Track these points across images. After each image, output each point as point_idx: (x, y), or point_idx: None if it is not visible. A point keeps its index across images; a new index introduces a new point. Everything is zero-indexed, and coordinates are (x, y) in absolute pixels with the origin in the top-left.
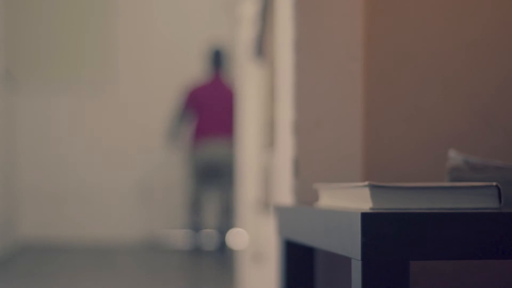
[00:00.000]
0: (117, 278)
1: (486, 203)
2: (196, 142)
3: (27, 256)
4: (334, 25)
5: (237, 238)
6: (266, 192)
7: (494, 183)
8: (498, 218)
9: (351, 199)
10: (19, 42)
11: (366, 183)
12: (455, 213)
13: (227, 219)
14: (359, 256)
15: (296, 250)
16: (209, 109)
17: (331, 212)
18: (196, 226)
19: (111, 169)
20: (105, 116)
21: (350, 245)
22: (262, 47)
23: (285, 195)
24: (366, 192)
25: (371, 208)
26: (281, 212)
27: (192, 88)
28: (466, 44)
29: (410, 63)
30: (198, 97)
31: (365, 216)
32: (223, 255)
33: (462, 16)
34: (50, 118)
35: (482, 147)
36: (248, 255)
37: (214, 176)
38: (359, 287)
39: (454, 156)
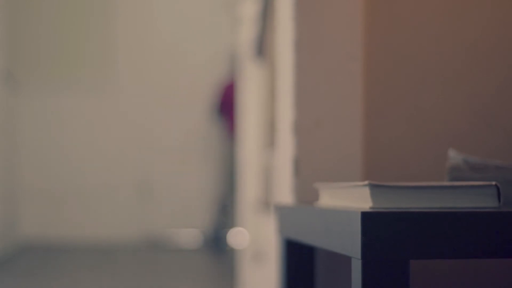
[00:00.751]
0: (117, 278)
1: (486, 203)
2: (230, 139)
3: (28, 256)
4: (334, 25)
5: (237, 237)
6: (267, 192)
7: (493, 183)
8: (497, 217)
9: (351, 199)
10: (20, 43)
11: (366, 182)
12: (455, 212)
13: None
14: (359, 255)
15: (297, 249)
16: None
17: (331, 211)
18: (218, 226)
19: (112, 169)
20: (105, 116)
21: (350, 244)
22: (262, 47)
23: (285, 194)
24: (366, 191)
25: (371, 208)
26: (282, 212)
27: (220, 88)
28: (466, 44)
29: (410, 63)
30: (228, 96)
31: (365, 215)
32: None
33: (462, 16)
34: (51, 118)
35: (482, 147)
36: (248, 255)
37: None
38: (359, 286)
39: (454, 156)
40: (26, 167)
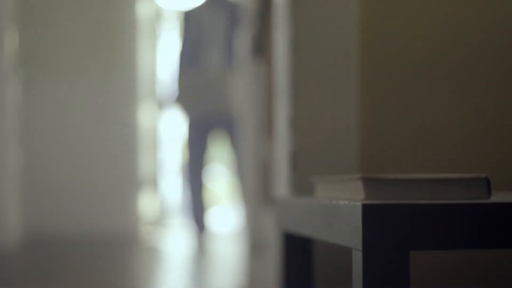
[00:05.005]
0: (123, 272)
1: (476, 194)
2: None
3: (36, 248)
4: (330, 24)
5: (239, 230)
6: (266, 185)
7: (484, 175)
8: (490, 209)
9: (345, 191)
10: (31, 37)
11: (359, 175)
12: (453, 204)
13: None
14: (360, 247)
15: (295, 241)
16: None
17: (331, 204)
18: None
19: (117, 163)
20: (112, 112)
21: (351, 236)
22: (261, 45)
23: (283, 187)
24: (360, 184)
25: (363, 199)
26: (280, 204)
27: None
28: (460, 43)
29: (404, 60)
30: None
31: (366, 208)
32: None
33: (457, 15)
34: (58, 114)
35: (474, 141)
36: (249, 246)
37: None
38: (360, 277)
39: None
40: (34, 161)
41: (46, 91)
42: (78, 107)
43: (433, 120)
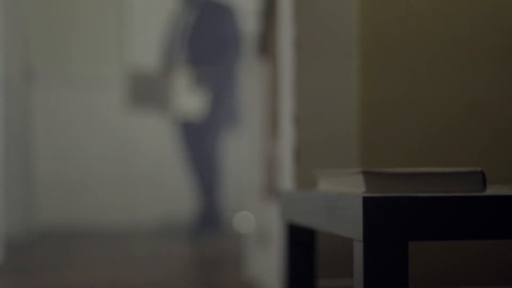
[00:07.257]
0: (133, 264)
1: (472, 187)
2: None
3: (46, 241)
4: (332, 24)
5: (244, 221)
6: (270, 179)
7: (479, 169)
8: (485, 201)
9: (347, 185)
10: (39, 37)
11: (360, 169)
12: (451, 197)
13: None
14: (361, 238)
15: (298, 232)
16: None
17: (334, 196)
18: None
19: (126, 156)
20: (120, 107)
21: (352, 228)
22: (265, 44)
23: (287, 181)
24: (360, 178)
25: (364, 192)
26: (284, 197)
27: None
28: (456, 41)
29: (403, 59)
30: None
31: (366, 200)
32: None
33: (452, 14)
34: (67, 110)
35: (470, 137)
36: (254, 238)
37: None
38: (361, 266)
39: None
40: (45, 156)
41: (60, 85)
42: (92, 100)
43: (431, 116)
